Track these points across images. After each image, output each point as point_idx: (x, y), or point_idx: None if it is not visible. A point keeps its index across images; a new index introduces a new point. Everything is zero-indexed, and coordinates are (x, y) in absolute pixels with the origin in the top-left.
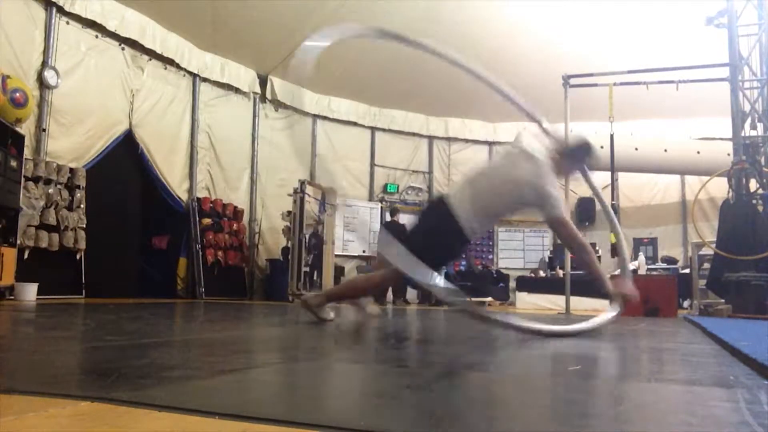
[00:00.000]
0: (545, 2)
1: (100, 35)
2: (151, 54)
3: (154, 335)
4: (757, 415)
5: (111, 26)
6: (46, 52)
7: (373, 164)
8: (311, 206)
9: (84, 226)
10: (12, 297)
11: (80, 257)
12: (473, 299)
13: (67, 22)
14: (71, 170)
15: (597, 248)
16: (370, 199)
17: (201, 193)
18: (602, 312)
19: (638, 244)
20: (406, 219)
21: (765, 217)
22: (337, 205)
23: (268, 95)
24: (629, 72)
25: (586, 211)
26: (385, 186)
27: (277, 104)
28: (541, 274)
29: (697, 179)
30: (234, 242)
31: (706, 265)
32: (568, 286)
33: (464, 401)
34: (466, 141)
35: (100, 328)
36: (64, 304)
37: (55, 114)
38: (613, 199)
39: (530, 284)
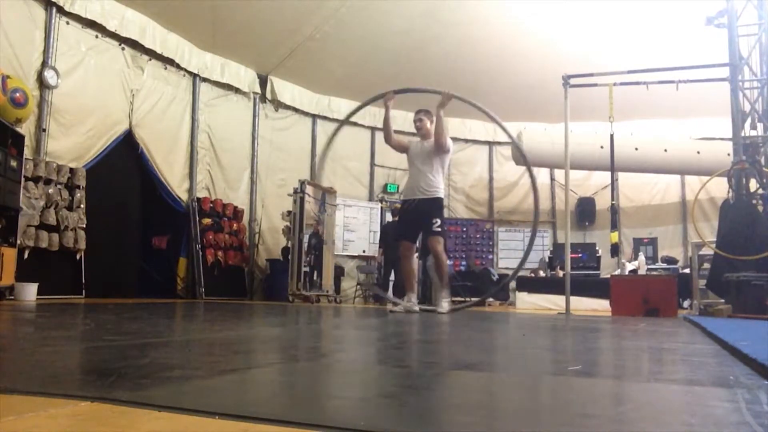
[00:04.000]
0: (545, 2)
1: (100, 35)
2: (151, 54)
3: (154, 335)
4: (757, 415)
5: (111, 26)
6: (46, 52)
7: (373, 164)
8: (311, 206)
9: (84, 226)
10: (12, 297)
11: (80, 257)
12: (472, 299)
13: (67, 22)
14: (71, 170)
15: (597, 248)
16: (370, 199)
17: (201, 193)
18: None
19: (638, 244)
20: None
21: (765, 217)
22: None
23: (268, 95)
24: (629, 72)
25: (586, 211)
26: (385, 186)
27: (277, 104)
28: (541, 274)
29: (697, 179)
30: (234, 242)
31: (706, 265)
32: (568, 286)
33: (464, 401)
34: (466, 141)
35: (100, 328)
36: (64, 304)
37: (55, 114)
38: (613, 199)
39: (530, 284)
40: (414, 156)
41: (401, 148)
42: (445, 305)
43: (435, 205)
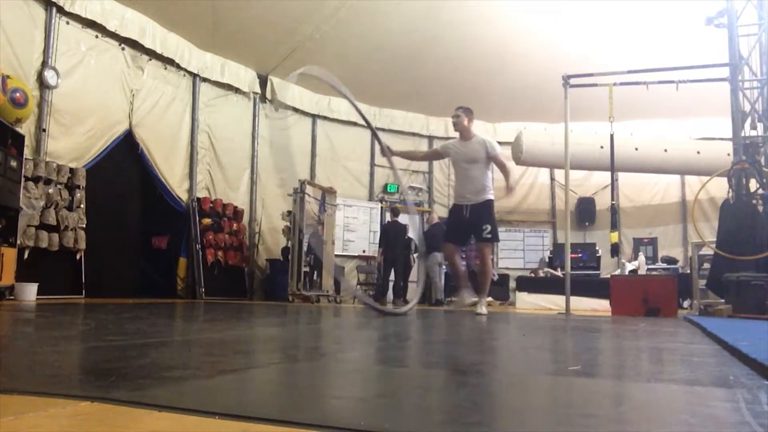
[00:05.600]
0: (545, 2)
1: (100, 35)
2: (151, 54)
3: (154, 335)
4: (757, 415)
5: (111, 26)
6: (46, 52)
7: (373, 164)
8: (311, 206)
9: (84, 226)
10: (12, 297)
11: (80, 257)
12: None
13: (67, 22)
14: (71, 170)
15: (597, 248)
16: (370, 199)
17: (201, 193)
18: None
19: (638, 244)
20: (406, 219)
21: (765, 217)
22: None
23: (268, 95)
24: (629, 72)
25: (586, 211)
26: (385, 186)
27: (277, 104)
28: (541, 274)
29: (697, 179)
30: (234, 242)
31: (706, 265)
32: (568, 286)
33: (464, 401)
34: None
35: (100, 328)
36: (64, 304)
37: (55, 114)
38: (613, 199)
39: (530, 284)
40: (458, 159)
41: (437, 157)
42: (483, 309)
43: (486, 210)
